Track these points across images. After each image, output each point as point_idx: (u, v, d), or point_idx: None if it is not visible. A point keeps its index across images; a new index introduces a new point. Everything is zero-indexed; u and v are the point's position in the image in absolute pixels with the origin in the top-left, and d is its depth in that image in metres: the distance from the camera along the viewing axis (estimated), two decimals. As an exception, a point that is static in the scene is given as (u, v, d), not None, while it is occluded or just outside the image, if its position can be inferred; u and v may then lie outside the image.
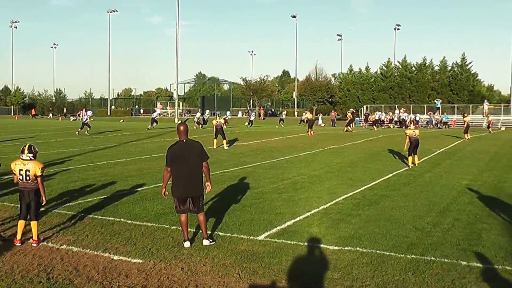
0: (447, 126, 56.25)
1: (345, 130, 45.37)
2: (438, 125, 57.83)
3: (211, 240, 8.75)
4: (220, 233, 9.40)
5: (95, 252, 8.24)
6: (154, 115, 48.78)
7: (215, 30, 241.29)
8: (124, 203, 12.03)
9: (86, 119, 39.71)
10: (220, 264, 7.66)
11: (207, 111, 59.27)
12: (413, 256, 8.07)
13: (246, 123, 55.17)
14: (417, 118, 55.07)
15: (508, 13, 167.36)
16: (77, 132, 38.17)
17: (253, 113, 65.41)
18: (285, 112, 69.32)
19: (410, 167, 19.00)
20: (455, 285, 6.87)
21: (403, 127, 51.66)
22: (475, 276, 7.17)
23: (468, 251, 8.36)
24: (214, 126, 27.80)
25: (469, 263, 7.72)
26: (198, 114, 55.82)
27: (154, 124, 46.18)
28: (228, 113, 55.04)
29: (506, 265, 7.67)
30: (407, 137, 19.66)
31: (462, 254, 8.16)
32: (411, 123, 21.29)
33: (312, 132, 39.59)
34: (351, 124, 48.00)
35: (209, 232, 9.09)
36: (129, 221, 10.28)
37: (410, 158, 19.41)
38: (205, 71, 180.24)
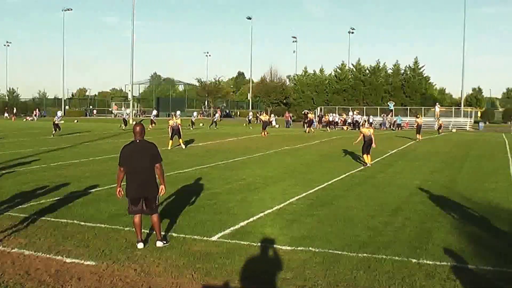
0: (400, 127, 57.41)
1: (307, 131, 45.97)
2: (391, 126, 58.94)
3: (164, 242, 8.69)
4: (174, 234, 9.34)
5: (48, 255, 8.05)
6: (125, 115, 48.68)
7: (171, 31, 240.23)
8: (77, 205, 11.82)
9: (56, 120, 38.63)
10: (173, 265, 7.61)
11: (178, 112, 59.23)
12: (365, 255, 8.18)
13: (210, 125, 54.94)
14: (371, 120, 55.97)
15: (460, 19, 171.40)
16: (52, 135, 37.13)
17: (217, 114, 65.45)
18: (251, 113, 69.28)
19: (368, 164, 19.78)
20: (405, 282, 7.00)
21: (357, 129, 52.62)
22: (424, 273, 7.33)
23: (418, 249, 8.53)
24: (170, 127, 27.65)
25: (419, 261, 7.88)
26: (155, 112, 55.64)
27: (123, 125, 46.05)
28: (178, 112, 54.81)
29: (455, 262, 7.85)
30: (361, 134, 20.54)
31: (412, 252, 8.32)
32: (365, 122, 21.81)
33: (265, 133, 40.20)
34: (311, 126, 48.59)
35: (163, 233, 9.01)
36: (82, 223, 10.10)
37: (365, 156, 20.13)
38: (160, 72, 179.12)
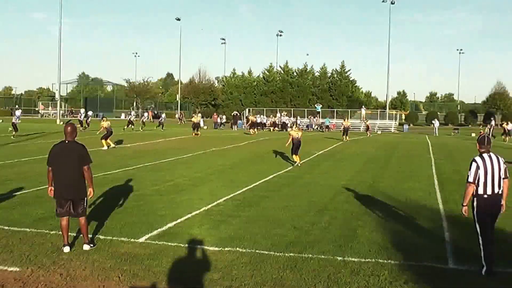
0: (328, 129, 58.63)
1: (252, 133, 46.48)
2: (319, 128, 60.05)
3: (91, 245, 8.51)
4: (101, 237, 9.15)
5: (-32, 263, 7.67)
6: (82, 117, 47.42)
7: (99, 30, 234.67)
8: (1, 209, 11.32)
9: (15, 120, 36.58)
10: (100, 268, 7.45)
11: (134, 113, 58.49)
12: (291, 254, 8.25)
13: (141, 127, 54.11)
14: (298, 122, 56.87)
15: (385, 25, 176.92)
16: (12, 136, 35.04)
17: (146, 114, 64.71)
18: (164, 115, 68.73)
19: (298, 164, 20.40)
20: (331, 279, 7.10)
21: (285, 130, 53.31)
22: (350, 270, 7.47)
23: (344, 247, 8.69)
24: (104, 128, 27.49)
25: (344, 258, 8.02)
26: (83, 110, 54.41)
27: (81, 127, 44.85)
28: (90, 113, 54.19)
29: (379, 258, 8.07)
30: (291, 136, 21.03)
31: (338, 250, 8.47)
32: (293, 125, 22.23)
33: (197, 133, 41.10)
34: (256, 127, 49.22)
35: (90, 236, 8.79)
36: (6, 227, 9.68)
37: (294, 156, 20.70)
38: (88, 71, 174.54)
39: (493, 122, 52.68)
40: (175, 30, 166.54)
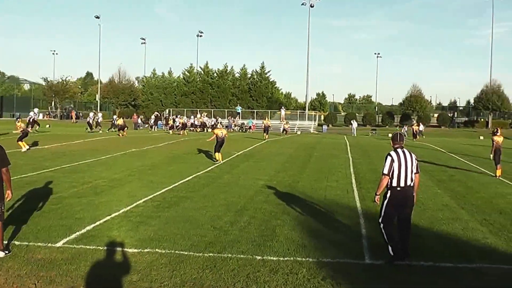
0: (249, 129, 59.17)
1: (181, 133, 46.28)
2: (239, 129, 60.39)
3: (6, 252, 8.20)
4: (16, 242, 8.84)
5: None
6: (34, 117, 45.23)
7: (15, 26, 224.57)
8: None
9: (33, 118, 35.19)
10: (15, 275, 7.22)
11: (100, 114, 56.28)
12: (211, 254, 8.29)
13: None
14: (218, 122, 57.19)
15: (304, 27, 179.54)
16: None
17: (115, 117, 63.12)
18: (100, 115, 67.16)
19: (220, 162, 21.49)
20: (250, 278, 7.19)
21: (206, 130, 53.32)
22: (268, 269, 7.57)
23: (263, 246, 8.81)
24: (21, 128, 26.87)
25: (263, 257, 8.14)
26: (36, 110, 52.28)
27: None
28: (36, 110, 52.22)
29: (297, 257, 8.24)
30: (215, 135, 22.13)
31: (257, 250, 8.58)
32: (218, 123, 22.75)
33: (124, 133, 41.55)
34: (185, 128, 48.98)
35: (5, 242, 8.48)
36: None
37: (216, 154, 21.76)
38: (4, 69, 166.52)
39: (413, 122, 54.80)
40: (95, 28, 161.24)
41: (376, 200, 8.48)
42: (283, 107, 71.52)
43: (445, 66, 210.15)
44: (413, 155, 8.41)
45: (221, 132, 22.48)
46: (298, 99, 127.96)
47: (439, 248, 9.00)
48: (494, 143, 19.26)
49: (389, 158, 8.25)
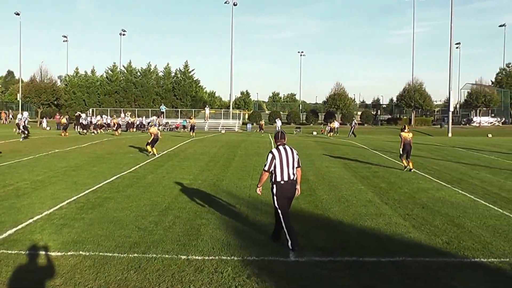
0: (176, 128, 58.81)
1: (117, 134, 45.89)
2: (164, 129, 59.87)
3: None
4: None
5: None
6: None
7: None
8: None
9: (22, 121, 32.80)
10: None
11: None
12: (135, 255, 8.24)
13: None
14: (144, 122, 56.63)
15: (228, 26, 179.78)
16: None
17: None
18: (26, 114, 64.81)
19: (156, 155, 23.06)
20: (175, 278, 7.20)
21: (129, 130, 52.63)
22: (193, 268, 7.61)
23: (187, 245, 8.83)
24: None
25: (188, 257, 8.16)
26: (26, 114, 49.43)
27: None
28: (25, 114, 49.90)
29: (222, 255, 8.30)
30: (151, 134, 24.82)
31: (182, 249, 8.59)
32: (153, 123, 23.65)
33: (65, 133, 41.84)
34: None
35: None
36: None
37: (154, 149, 24.06)
38: None
39: (354, 122, 55.95)
40: (14, 25, 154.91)
41: (258, 192, 9.35)
42: (207, 106, 71.47)
43: (368, 64, 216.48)
44: (294, 151, 9.10)
45: (156, 129, 25.19)
46: (223, 97, 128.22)
47: (363, 243, 9.21)
48: (402, 138, 20.46)
49: (270, 155, 8.90)
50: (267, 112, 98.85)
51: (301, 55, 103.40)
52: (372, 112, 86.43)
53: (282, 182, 8.85)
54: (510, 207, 12.73)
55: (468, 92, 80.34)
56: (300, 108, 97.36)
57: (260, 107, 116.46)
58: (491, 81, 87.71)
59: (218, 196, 13.87)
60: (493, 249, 8.91)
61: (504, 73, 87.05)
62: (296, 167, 9.03)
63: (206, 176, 17.92)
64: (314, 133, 58.16)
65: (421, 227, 10.51)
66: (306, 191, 14.68)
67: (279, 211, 8.88)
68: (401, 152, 20.52)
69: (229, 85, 79.57)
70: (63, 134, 41.05)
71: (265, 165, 8.94)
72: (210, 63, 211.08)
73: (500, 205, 12.90)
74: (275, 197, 8.92)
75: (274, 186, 8.93)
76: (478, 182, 17.10)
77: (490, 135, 57.70)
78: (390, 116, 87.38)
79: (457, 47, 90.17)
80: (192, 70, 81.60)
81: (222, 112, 74.70)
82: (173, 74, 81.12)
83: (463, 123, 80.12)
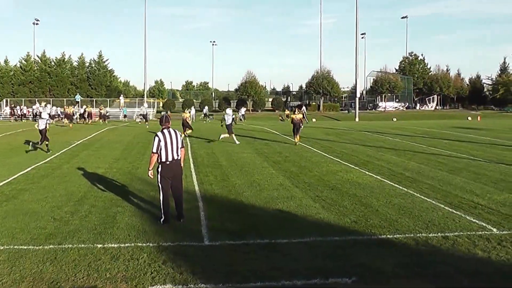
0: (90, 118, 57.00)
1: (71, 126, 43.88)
2: (80, 119, 57.93)
3: None
4: None
5: None
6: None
7: None
8: None
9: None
10: None
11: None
12: (51, 246, 7.93)
13: None
14: (59, 112, 54.83)
15: (141, 16, 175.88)
16: None
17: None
18: None
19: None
20: (91, 267, 6.99)
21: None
22: (109, 256, 7.42)
23: (103, 234, 8.61)
24: None
25: (104, 245, 7.96)
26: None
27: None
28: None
29: (138, 242, 8.15)
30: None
31: (98, 238, 8.37)
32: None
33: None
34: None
35: None
36: None
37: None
38: None
39: (304, 108, 56.10)
40: None
41: (149, 175, 9.76)
42: (122, 95, 69.93)
43: (279, 53, 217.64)
44: (178, 133, 9.70)
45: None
46: (137, 86, 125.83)
47: (275, 226, 9.25)
48: (293, 118, 24.92)
49: (156, 138, 9.40)
50: (180, 100, 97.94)
51: (213, 44, 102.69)
52: (283, 99, 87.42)
53: (167, 162, 9.36)
54: (414, 186, 13.19)
55: (373, 79, 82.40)
56: (213, 96, 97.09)
57: (174, 95, 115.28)
58: (395, 68, 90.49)
59: (134, 184, 13.62)
60: (399, 226, 9.20)
61: (407, 61, 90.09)
62: (180, 148, 9.57)
63: (121, 164, 17.57)
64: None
65: (330, 208, 10.68)
66: (219, 176, 14.73)
67: (160, 190, 9.43)
68: (292, 130, 24.32)
69: (143, 74, 77.93)
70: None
71: (152, 148, 9.41)
72: (124, 53, 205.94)
73: (405, 185, 13.34)
74: (159, 176, 9.40)
75: (160, 165, 9.41)
76: (384, 163, 17.64)
77: (395, 119, 59.73)
78: (299, 103, 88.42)
79: (362, 37, 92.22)
80: (106, 60, 79.75)
81: (137, 101, 73.23)
82: (87, 64, 78.76)
83: (369, 108, 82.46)
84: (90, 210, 10.44)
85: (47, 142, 21.60)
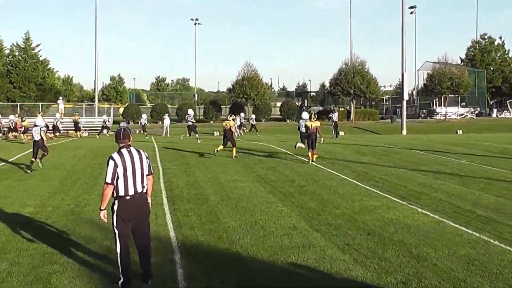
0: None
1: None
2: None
3: None
4: None
5: None
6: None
7: None
8: None
9: None
10: None
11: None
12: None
13: None
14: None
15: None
16: None
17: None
18: None
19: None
20: None
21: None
22: None
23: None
24: None
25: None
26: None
27: None
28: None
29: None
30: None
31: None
32: None
33: None
34: None
35: None
36: None
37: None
38: None
39: (335, 116, 55.97)
40: None
41: (102, 216, 9.34)
42: (61, 98, 70.10)
43: (287, 38, 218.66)
44: (143, 153, 9.46)
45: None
46: (84, 85, 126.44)
47: (285, 286, 9.20)
48: (307, 126, 25.41)
49: (111, 163, 9.05)
50: (149, 105, 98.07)
51: (195, 23, 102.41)
52: (297, 103, 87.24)
53: (127, 197, 9.07)
54: (490, 229, 13.07)
55: (428, 73, 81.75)
56: (196, 98, 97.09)
57: (140, 98, 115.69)
58: (460, 58, 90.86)
59: (78, 229, 13.51)
60: (468, 289, 9.06)
61: (477, 47, 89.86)
62: (147, 175, 9.37)
63: (60, 200, 17.51)
64: (216, 133, 57.97)
65: (366, 262, 10.60)
66: (205, 216, 14.67)
67: (117, 238, 9.07)
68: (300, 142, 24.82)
69: (93, 68, 77.72)
70: None
71: (106, 176, 9.02)
72: (64, 38, 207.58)
73: (476, 227, 13.24)
74: (115, 217, 9.05)
75: (116, 202, 9.11)
76: (444, 196, 17.56)
77: (460, 132, 59.92)
78: (321, 108, 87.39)
79: (411, 12, 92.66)
80: (37, 45, 79.88)
81: (84, 106, 73.44)
82: (7, 51, 79.08)
83: (422, 115, 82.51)
84: (10, 270, 10.31)
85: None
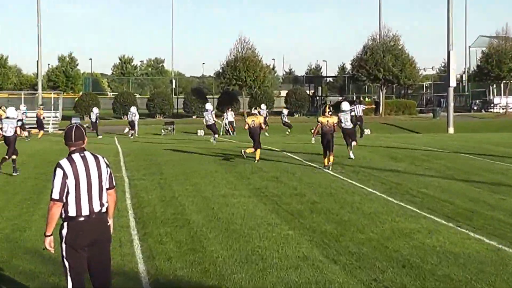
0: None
1: None
2: None
3: None
4: None
5: None
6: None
7: None
8: None
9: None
10: None
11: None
12: None
13: None
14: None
15: None
16: None
17: None
18: None
19: None
20: None
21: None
22: None
23: None
24: None
25: None
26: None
27: None
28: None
29: None
30: None
31: None
32: None
33: None
34: None
35: None
36: None
37: None
38: None
39: (359, 107, 56.05)
40: None
41: (47, 245, 8.95)
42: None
43: (297, 8, 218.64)
44: (102, 160, 9.18)
45: None
46: (23, 69, 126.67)
47: None
48: (319, 124, 25.52)
49: (59, 173, 8.69)
50: (110, 95, 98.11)
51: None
52: (308, 92, 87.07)
53: (80, 218, 8.78)
54: None
55: (483, 52, 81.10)
56: (173, 86, 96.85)
57: (98, 85, 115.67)
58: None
59: (15, 261, 13.55)
60: None
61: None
62: (107, 189, 9.13)
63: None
64: (201, 132, 57.90)
65: (400, 304, 10.58)
66: (186, 244, 14.65)
67: (68, 273, 8.80)
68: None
69: (35, 46, 77.30)
70: None
71: (52, 191, 8.68)
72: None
73: (548, 258, 13.20)
74: (64, 246, 8.77)
75: (66, 225, 8.82)
76: (504, 216, 17.53)
77: (525, 129, 59.68)
78: (340, 98, 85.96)
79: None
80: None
81: (23, 97, 73.48)
82: None
83: (475, 108, 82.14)
84: None
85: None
